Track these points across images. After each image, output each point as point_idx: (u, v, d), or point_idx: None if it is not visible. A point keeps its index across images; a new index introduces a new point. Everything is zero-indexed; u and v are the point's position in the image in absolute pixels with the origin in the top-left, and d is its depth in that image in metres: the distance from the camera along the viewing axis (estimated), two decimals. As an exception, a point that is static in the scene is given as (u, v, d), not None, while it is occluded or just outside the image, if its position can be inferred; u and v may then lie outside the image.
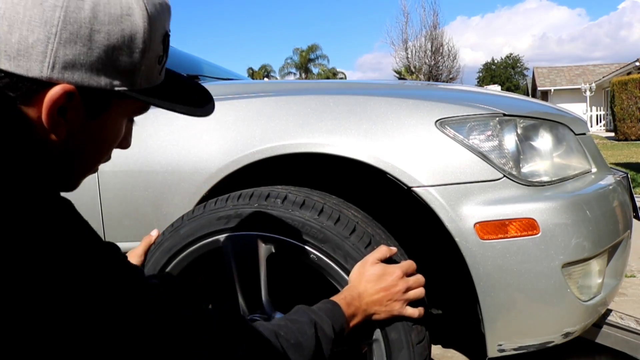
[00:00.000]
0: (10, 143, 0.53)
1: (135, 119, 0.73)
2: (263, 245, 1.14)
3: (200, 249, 1.21)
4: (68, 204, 0.60)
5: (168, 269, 1.21)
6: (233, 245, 1.17)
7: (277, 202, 1.14)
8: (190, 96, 0.72)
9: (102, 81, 0.58)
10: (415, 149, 1.20)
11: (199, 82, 0.78)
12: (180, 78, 0.72)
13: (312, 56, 35.29)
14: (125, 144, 0.73)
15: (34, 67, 0.54)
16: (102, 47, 0.57)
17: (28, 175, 0.55)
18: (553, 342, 1.22)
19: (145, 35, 0.60)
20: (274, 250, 1.15)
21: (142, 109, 0.69)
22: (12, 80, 0.54)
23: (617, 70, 20.92)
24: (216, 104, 1.43)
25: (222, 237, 1.18)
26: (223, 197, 1.21)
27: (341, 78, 34.71)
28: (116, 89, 0.59)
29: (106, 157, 0.71)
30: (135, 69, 0.60)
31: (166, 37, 0.66)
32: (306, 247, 1.11)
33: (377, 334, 1.08)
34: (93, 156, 0.67)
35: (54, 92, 0.55)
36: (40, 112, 0.55)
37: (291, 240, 1.12)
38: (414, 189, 1.18)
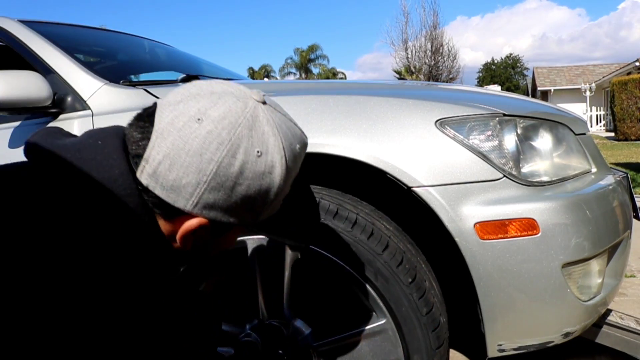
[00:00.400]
0: (149, 239, 0.68)
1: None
2: (290, 251, 1.14)
3: None
4: (178, 270, 0.80)
5: None
6: (259, 248, 1.16)
7: None
8: (295, 223, 0.84)
9: (232, 219, 0.69)
10: (415, 149, 1.20)
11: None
12: (291, 201, 0.81)
13: (312, 56, 35.29)
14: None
15: (180, 201, 0.66)
16: (239, 196, 0.67)
17: (158, 258, 0.70)
18: (553, 342, 1.22)
19: (279, 188, 0.70)
20: (299, 257, 1.14)
21: None
22: (161, 203, 0.67)
23: (617, 70, 20.91)
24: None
25: (248, 237, 1.16)
26: None
27: (341, 78, 34.70)
28: (242, 224, 0.71)
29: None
30: (261, 212, 0.71)
31: (294, 178, 0.76)
32: (335, 258, 1.10)
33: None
34: (209, 254, 0.80)
35: (190, 222, 0.68)
36: (176, 230, 0.69)
37: (321, 250, 1.11)
38: (414, 189, 1.18)
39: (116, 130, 0.73)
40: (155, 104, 0.71)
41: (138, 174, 0.67)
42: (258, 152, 0.67)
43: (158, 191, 0.66)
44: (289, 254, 1.15)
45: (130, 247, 0.66)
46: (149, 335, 0.68)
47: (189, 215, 0.68)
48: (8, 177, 0.68)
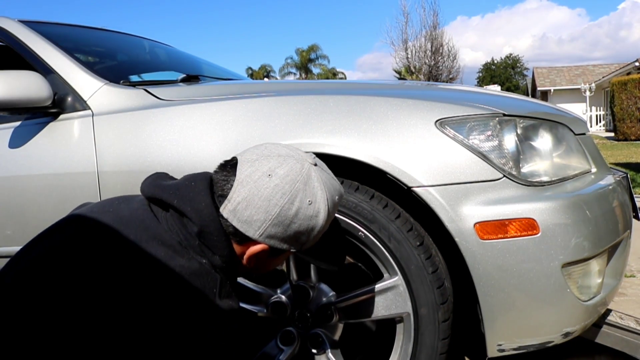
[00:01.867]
0: (227, 256, 0.94)
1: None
2: None
3: None
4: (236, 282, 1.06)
5: None
6: None
7: None
8: (331, 249, 1.13)
9: (285, 246, 0.95)
10: (415, 149, 1.20)
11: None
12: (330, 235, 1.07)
13: (312, 56, 35.28)
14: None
15: (250, 231, 0.92)
16: (292, 231, 0.93)
17: (229, 269, 0.97)
18: (553, 342, 1.22)
19: (322, 227, 0.96)
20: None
21: None
22: (236, 231, 0.92)
23: (616, 70, 20.91)
24: (216, 104, 1.44)
25: None
26: None
27: (341, 78, 34.68)
28: (291, 250, 0.97)
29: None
30: (306, 243, 0.97)
31: (332, 217, 1.00)
32: (356, 224, 1.24)
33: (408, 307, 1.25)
34: (265, 270, 1.05)
35: (256, 247, 0.94)
36: (244, 251, 0.96)
37: (343, 218, 1.25)
38: (414, 189, 1.18)
39: (205, 174, 0.99)
40: (235, 158, 0.97)
41: (221, 209, 0.92)
42: (309, 201, 0.92)
43: (235, 223, 0.91)
44: None
45: (213, 256, 0.93)
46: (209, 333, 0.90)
47: (255, 242, 0.93)
48: (128, 203, 0.98)
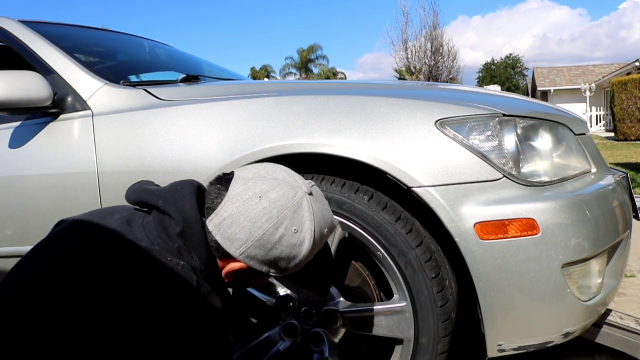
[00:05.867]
0: (207, 259, 0.94)
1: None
2: (340, 228, 1.28)
3: None
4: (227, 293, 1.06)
5: None
6: None
7: (364, 199, 1.25)
8: (315, 277, 1.08)
9: (264, 269, 0.95)
10: (415, 149, 1.20)
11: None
12: (318, 264, 1.05)
13: (312, 56, 35.25)
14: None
15: (231, 248, 0.92)
16: (273, 255, 0.92)
17: (209, 274, 0.96)
18: (553, 342, 1.22)
19: (304, 257, 0.94)
20: (347, 236, 1.29)
21: None
22: (218, 246, 0.92)
23: (616, 70, 20.89)
24: (216, 104, 1.44)
25: None
26: (318, 177, 1.30)
27: (341, 78, 34.66)
28: (271, 274, 0.97)
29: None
30: (287, 269, 0.96)
31: (318, 248, 0.99)
32: (377, 244, 1.24)
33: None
34: (245, 287, 1.15)
35: (235, 264, 0.95)
36: (224, 267, 0.96)
37: (365, 234, 1.25)
38: (414, 189, 1.18)
39: (192, 181, 1.01)
40: (232, 173, 0.97)
41: (207, 221, 0.93)
42: (295, 229, 0.91)
43: (218, 237, 0.92)
44: (338, 230, 1.28)
45: (192, 258, 0.93)
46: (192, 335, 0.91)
47: (234, 259, 0.94)
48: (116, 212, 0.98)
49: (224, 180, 0.96)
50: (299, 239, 0.92)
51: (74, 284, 0.85)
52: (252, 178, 0.93)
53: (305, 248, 0.93)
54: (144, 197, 0.97)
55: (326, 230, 0.97)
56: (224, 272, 0.96)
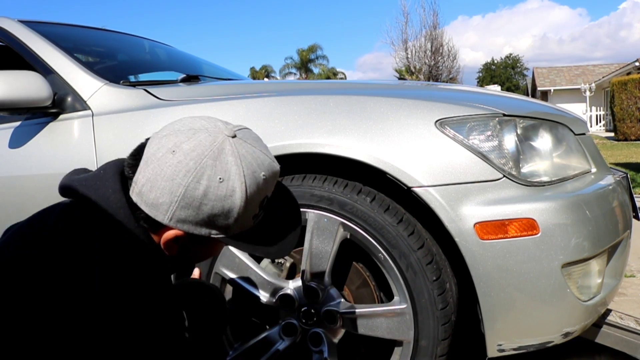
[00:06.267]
0: (145, 248, 0.85)
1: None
2: (342, 230, 1.29)
3: None
4: (168, 277, 0.97)
5: None
6: (316, 220, 1.30)
7: (367, 200, 1.25)
8: (273, 233, 0.93)
9: (203, 231, 0.84)
10: (415, 149, 1.20)
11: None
12: (276, 213, 0.94)
13: (312, 56, 35.25)
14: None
15: (159, 216, 0.82)
16: (205, 213, 0.81)
17: (155, 263, 0.87)
18: (553, 342, 1.22)
19: (241, 208, 0.83)
20: (348, 237, 1.29)
21: None
22: (147, 217, 0.83)
23: (616, 70, 20.89)
24: (216, 104, 1.44)
25: (309, 210, 1.30)
26: (321, 177, 1.30)
27: (341, 78, 34.65)
28: (212, 236, 0.85)
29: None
30: (228, 227, 0.85)
31: (265, 199, 0.88)
32: (379, 246, 1.25)
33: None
34: (198, 260, 0.98)
35: (168, 233, 0.84)
36: (161, 239, 0.85)
37: (367, 236, 1.25)
38: (414, 189, 1.18)
39: (117, 161, 0.91)
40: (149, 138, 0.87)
41: (130, 193, 0.84)
42: (220, 178, 0.80)
43: (143, 207, 0.83)
44: (340, 231, 1.28)
45: (126, 250, 0.83)
46: (146, 328, 0.81)
47: (167, 228, 0.84)
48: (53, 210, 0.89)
49: (142, 145, 0.86)
50: (228, 188, 0.80)
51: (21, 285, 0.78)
52: (166, 135, 0.83)
53: (238, 197, 0.81)
54: (70, 184, 0.88)
55: (262, 173, 0.84)
56: (162, 244, 0.86)
